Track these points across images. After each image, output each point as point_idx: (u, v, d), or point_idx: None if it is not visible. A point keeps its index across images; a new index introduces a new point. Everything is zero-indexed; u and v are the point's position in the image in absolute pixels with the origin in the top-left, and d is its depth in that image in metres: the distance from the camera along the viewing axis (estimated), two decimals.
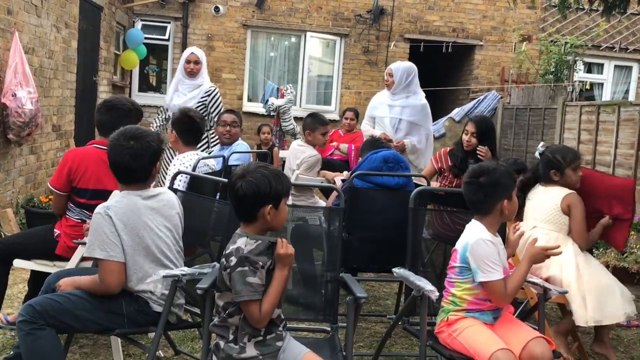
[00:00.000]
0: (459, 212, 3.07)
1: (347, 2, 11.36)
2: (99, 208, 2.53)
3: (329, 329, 2.81)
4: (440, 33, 11.58)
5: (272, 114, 9.35)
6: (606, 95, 11.85)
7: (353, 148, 6.03)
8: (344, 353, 2.50)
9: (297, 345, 2.32)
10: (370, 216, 3.68)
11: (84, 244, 3.01)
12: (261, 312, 2.17)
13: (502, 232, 2.86)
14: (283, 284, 2.23)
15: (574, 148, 3.74)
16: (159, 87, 11.49)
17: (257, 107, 10.85)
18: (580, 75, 10.83)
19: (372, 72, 11.50)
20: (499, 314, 2.64)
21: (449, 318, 2.62)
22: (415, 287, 2.50)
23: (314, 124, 4.69)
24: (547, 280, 3.18)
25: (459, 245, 2.62)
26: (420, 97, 5.18)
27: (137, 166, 2.57)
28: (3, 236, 5.16)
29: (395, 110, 5.13)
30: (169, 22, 11.08)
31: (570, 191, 3.52)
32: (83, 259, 3.11)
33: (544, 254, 2.65)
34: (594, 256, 3.92)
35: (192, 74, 5.44)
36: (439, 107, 11.27)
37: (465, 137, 4.38)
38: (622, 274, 4.76)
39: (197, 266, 2.53)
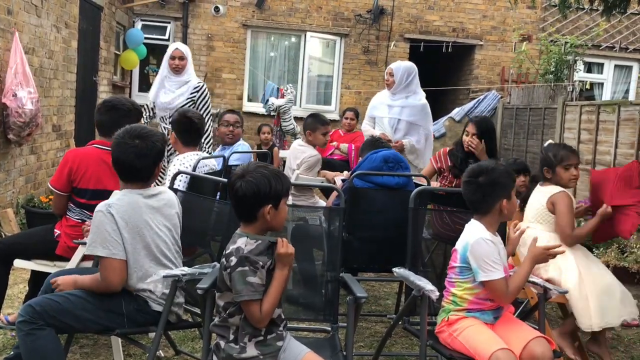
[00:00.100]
0: (459, 212, 3.07)
1: (347, 2, 11.36)
2: (101, 206, 2.53)
3: (329, 328, 2.81)
4: (440, 33, 11.58)
5: (272, 113, 9.35)
6: (606, 95, 11.85)
7: (353, 148, 6.03)
8: (344, 353, 2.50)
9: (298, 345, 2.32)
10: (370, 216, 3.68)
11: (84, 244, 3.01)
12: (262, 312, 2.17)
13: (502, 232, 2.86)
14: (283, 283, 2.23)
15: (571, 147, 3.68)
16: None
17: (257, 107, 10.86)
18: (580, 75, 10.83)
19: (372, 72, 11.50)
20: (500, 314, 2.64)
21: (449, 318, 2.62)
22: (416, 286, 2.51)
23: (314, 123, 4.69)
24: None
25: (459, 245, 2.63)
26: (420, 97, 5.18)
27: (141, 165, 2.57)
28: (3, 236, 5.16)
29: (394, 110, 5.13)
30: (169, 22, 11.08)
31: (560, 189, 3.48)
32: (83, 258, 3.11)
33: (547, 254, 2.65)
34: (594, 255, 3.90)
35: (177, 70, 5.29)
36: (439, 106, 11.27)
37: (465, 138, 4.37)
38: (622, 274, 4.76)
39: (197, 266, 2.53)
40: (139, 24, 10.78)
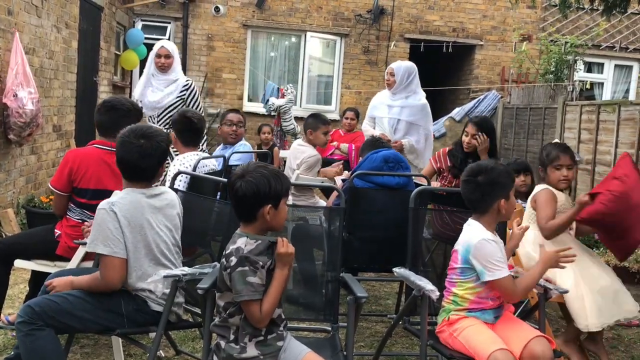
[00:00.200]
0: (459, 211, 3.07)
1: (347, 2, 11.36)
2: (104, 204, 2.53)
3: (329, 328, 2.81)
4: (441, 33, 11.58)
5: (272, 113, 9.35)
6: (606, 95, 11.85)
7: (353, 148, 6.03)
8: (345, 353, 2.50)
9: (298, 345, 2.32)
10: (370, 216, 3.68)
11: (85, 244, 3.01)
12: (262, 312, 2.17)
13: (502, 232, 2.86)
14: (283, 283, 2.23)
15: (566, 147, 3.64)
16: None
17: (258, 107, 10.86)
18: (580, 74, 10.83)
19: (372, 72, 11.50)
20: (500, 313, 2.64)
21: (450, 318, 2.62)
22: (416, 286, 2.51)
23: (316, 123, 4.69)
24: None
25: (459, 246, 2.62)
26: (420, 97, 5.18)
27: (145, 165, 2.58)
28: (4, 236, 5.17)
29: (394, 110, 5.13)
30: (169, 22, 11.08)
31: (544, 187, 3.47)
32: (84, 259, 3.11)
33: (558, 257, 2.63)
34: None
35: (163, 68, 5.17)
36: (439, 106, 11.27)
37: (465, 139, 4.37)
38: (622, 274, 4.75)
39: (197, 266, 2.53)
40: (139, 24, 10.78)
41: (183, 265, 2.64)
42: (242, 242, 2.21)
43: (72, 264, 3.10)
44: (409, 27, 11.54)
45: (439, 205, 3.62)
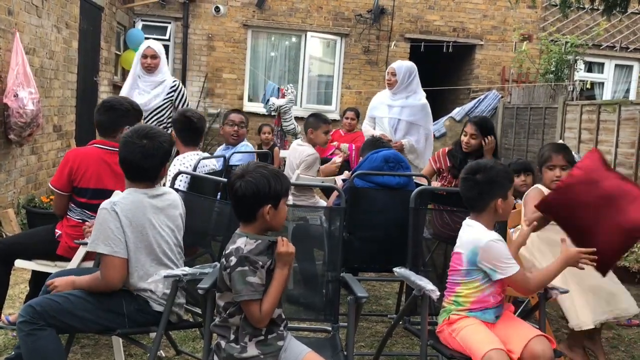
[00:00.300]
0: (460, 211, 3.07)
1: (348, 1, 11.36)
2: (105, 204, 2.54)
3: (330, 328, 2.81)
4: (441, 33, 11.58)
5: (272, 113, 9.35)
6: (607, 95, 11.85)
7: (354, 148, 6.03)
8: (345, 353, 2.50)
9: (298, 345, 2.32)
10: (371, 216, 3.68)
11: (86, 244, 3.01)
12: (261, 312, 2.17)
13: (502, 232, 2.86)
14: (283, 283, 2.23)
15: (561, 147, 3.63)
16: None
17: (258, 107, 10.86)
18: (580, 74, 10.83)
19: (372, 71, 11.50)
20: (501, 312, 2.64)
21: (450, 317, 2.62)
22: (416, 286, 2.51)
23: (316, 122, 4.69)
24: None
25: (463, 248, 2.60)
26: (420, 97, 5.18)
27: (147, 165, 2.58)
28: (4, 236, 5.17)
29: (394, 110, 5.13)
30: (170, 22, 11.09)
31: (536, 186, 3.47)
32: (84, 259, 3.11)
33: (580, 256, 2.60)
34: None
35: (149, 69, 5.04)
36: (439, 106, 11.27)
37: (464, 139, 4.37)
38: (622, 273, 4.75)
39: (198, 266, 2.53)
40: (139, 24, 10.78)
41: (184, 266, 2.64)
42: (241, 242, 2.21)
43: (73, 264, 3.11)
44: (409, 27, 11.54)
45: (439, 205, 3.62)
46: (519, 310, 3.41)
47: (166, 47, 11.13)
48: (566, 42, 9.93)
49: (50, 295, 2.56)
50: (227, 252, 2.23)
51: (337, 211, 2.99)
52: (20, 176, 5.99)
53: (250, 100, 11.46)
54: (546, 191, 3.41)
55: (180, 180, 3.58)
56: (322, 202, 4.76)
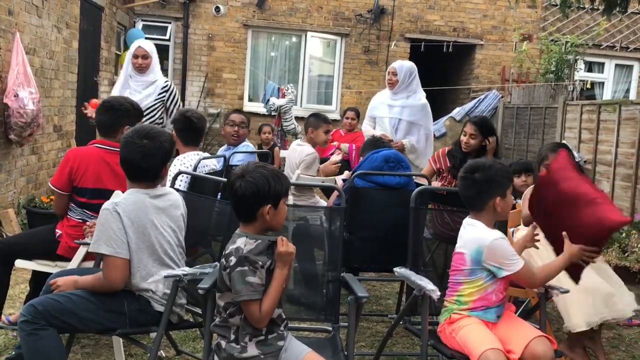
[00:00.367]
0: (460, 211, 3.07)
1: (348, 1, 11.36)
2: (107, 204, 2.54)
3: (330, 328, 2.81)
4: (441, 32, 11.58)
5: (273, 113, 9.35)
6: (607, 94, 11.85)
7: (354, 148, 6.03)
8: (346, 353, 2.50)
9: (299, 345, 2.32)
10: (371, 216, 3.68)
11: (86, 244, 3.02)
12: (261, 312, 2.17)
13: (502, 231, 2.85)
14: (283, 283, 2.23)
15: (559, 145, 3.62)
16: None
17: (258, 107, 10.86)
18: (581, 74, 10.83)
19: (372, 71, 11.50)
20: (502, 312, 2.64)
21: (451, 316, 2.62)
22: (417, 286, 2.51)
23: (317, 121, 4.70)
24: None
25: (466, 248, 2.60)
26: (420, 97, 5.19)
27: (148, 165, 2.58)
28: (4, 236, 5.17)
29: (394, 110, 5.14)
30: (170, 22, 11.09)
31: (533, 185, 3.49)
32: (85, 259, 3.11)
33: (583, 254, 2.61)
34: None
35: (140, 69, 4.92)
36: (439, 106, 11.27)
37: (463, 139, 4.37)
38: (623, 273, 4.75)
39: (198, 266, 2.53)
40: (139, 24, 10.78)
41: (185, 266, 2.64)
42: (241, 242, 2.21)
43: (73, 264, 3.10)
44: (410, 26, 11.54)
45: (439, 205, 3.62)
46: (520, 310, 3.42)
47: (166, 47, 11.17)
48: (566, 42, 9.93)
49: (52, 295, 2.56)
50: (227, 252, 2.23)
51: (337, 211, 2.99)
52: (21, 176, 5.99)
53: (250, 100, 11.46)
54: None
55: (181, 180, 3.58)
56: (323, 202, 4.76)
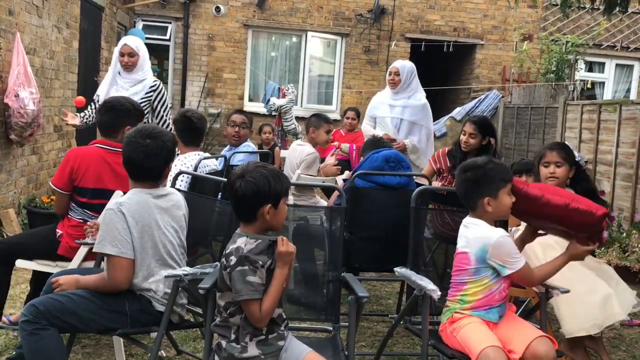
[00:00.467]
0: (460, 211, 3.07)
1: (348, 1, 11.36)
2: (111, 204, 2.55)
3: (330, 328, 2.81)
4: (441, 32, 11.58)
5: (273, 113, 9.35)
6: (607, 94, 11.84)
7: (354, 148, 6.03)
8: (346, 352, 2.50)
9: (299, 345, 2.32)
10: (371, 215, 3.69)
11: (87, 244, 3.02)
12: (262, 311, 2.17)
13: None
14: (283, 282, 2.23)
15: (558, 145, 3.61)
16: None
17: (259, 107, 10.86)
18: (581, 74, 10.82)
19: (373, 71, 11.50)
20: (504, 312, 2.64)
21: (453, 315, 2.62)
22: (417, 286, 2.50)
23: (318, 121, 4.71)
24: None
25: (470, 247, 2.59)
26: (420, 97, 5.21)
27: (151, 165, 2.58)
28: (5, 237, 5.17)
29: (396, 110, 5.15)
30: (170, 22, 11.09)
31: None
32: (85, 259, 3.11)
33: (585, 252, 2.63)
34: (594, 255, 3.83)
35: (127, 67, 4.81)
36: (440, 106, 11.27)
37: (463, 138, 4.38)
38: (624, 273, 4.75)
39: (199, 266, 2.53)
40: (140, 24, 10.78)
41: (186, 266, 2.65)
42: (242, 242, 2.21)
43: (74, 264, 3.11)
44: (410, 26, 11.54)
45: (440, 205, 3.62)
46: (520, 310, 3.41)
47: (167, 47, 11.18)
48: (567, 42, 9.92)
49: (53, 294, 2.56)
50: (227, 251, 2.23)
51: (337, 211, 2.99)
52: (21, 176, 5.99)
53: (250, 100, 11.45)
54: None
55: (181, 181, 3.59)
56: (323, 202, 4.77)
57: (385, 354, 3.39)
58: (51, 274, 2.99)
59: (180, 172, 3.51)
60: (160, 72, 11.59)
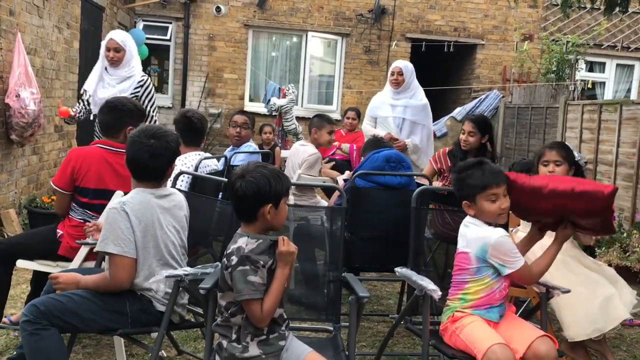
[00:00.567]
0: (460, 211, 3.07)
1: (349, 1, 11.36)
2: (114, 203, 2.55)
3: (331, 328, 2.81)
4: (442, 32, 11.58)
5: (274, 113, 9.35)
6: (608, 94, 11.84)
7: (355, 148, 6.03)
8: (347, 352, 2.50)
9: (300, 345, 2.32)
10: (372, 216, 3.69)
11: (87, 244, 3.02)
12: (263, 311, 2.17)
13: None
14: (284, 282, 2.23)
15: (558, 144, 3.61)
16: (161, 87, 11.50)
17: (259, 107, 10.86)
18: (582, 74, 10.82)
19: (373, 71, 11.50)
20: (504, 311, 2.64)
21: (454, 314, 2.62)
22: (418, 286, 2.51)
23: (321, 122, 4.72)
24: None
25: (471, 246, 2.60)
26: (421, 97, 5.23)
27: (155, 165, 2.59)
28: (6, 237, 5.17)
29: (398, 109, 5.15)
30: (171, 23, 11.09)
31: None
32: (86, 259, 3.11)
33: (573, 231, 2.65)
34: (594, 256, 3.82)
35: (113, 62, 4.61)
36: (440, 106, 11.27)
37: (462, 137, 4.38)
38: (624, 273, 4.75)
39: (199, 266, 2.54)
40: (140, 25, 10.79)
41: (186, 266, 2.65)
42: (243, 242, 2.21)
43: (74, 264, 3.11)
44: (410, 26, 11.54)
45: (440, 205, 3.62)
46: (520, 310, 3.41)
47: (167, 47, 11.18)
48: (567, 42, 9.92)
49: (54, 295, 2.56)
50: (228, 251, 2.23)
51: (338, 211, 2.99)
52: (22, 176, 6.00)
53: (251, 100, 11.46)
54: None
55: (182, 181, 3.59)
56: (324, 202, 4.77)
57: (386, 354, 3.39)
58: (51, 274, 2.99)
59: (181, 172, 3.51)
60: (161, 72, 11.61)
